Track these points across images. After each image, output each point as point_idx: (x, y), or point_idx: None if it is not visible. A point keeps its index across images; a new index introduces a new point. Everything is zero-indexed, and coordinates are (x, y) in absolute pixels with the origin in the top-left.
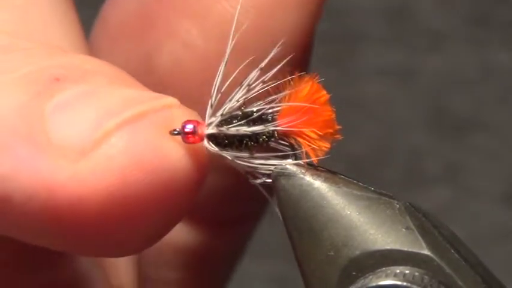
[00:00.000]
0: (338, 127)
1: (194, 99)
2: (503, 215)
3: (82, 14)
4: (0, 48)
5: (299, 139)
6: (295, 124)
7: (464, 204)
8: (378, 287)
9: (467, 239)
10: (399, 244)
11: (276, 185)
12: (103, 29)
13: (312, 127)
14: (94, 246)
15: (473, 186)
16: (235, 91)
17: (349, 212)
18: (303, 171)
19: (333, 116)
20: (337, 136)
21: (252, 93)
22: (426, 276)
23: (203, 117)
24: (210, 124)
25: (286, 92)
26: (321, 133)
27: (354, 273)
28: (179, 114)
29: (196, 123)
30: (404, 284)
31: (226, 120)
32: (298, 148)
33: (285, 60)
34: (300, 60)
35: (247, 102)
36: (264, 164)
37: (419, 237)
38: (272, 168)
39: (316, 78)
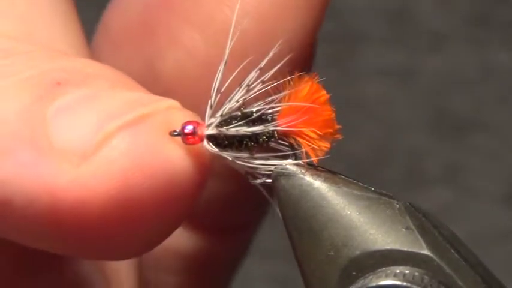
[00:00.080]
0: (338, 127)
1: (197, 105)
2: (503, 215)
3: (83, 15)
4: (1, 51)
5: (299, 139)
6: (295, 124)
7: (464, 204)
8: (378, 287)
9: (467, 239)
10: (399, 244)
11: (276, 185)
12: (105, 35)
13: (312, 127)
14: (95, 249)
15: (473, 186)
16: (235, 91)
17: (349, 212)
18: (302, 171)
19: (333, 116)
20: (337, 136)
21: (252, 94)
22: (426, 276)
23: (204, 119)
24: (209, 125)
25: (286, 92)
26: (320, 133)
27: (354, 273)
28: (179, 116)
29: (196, 124)
30: (404, 284)
31: (226, 121)
32: (298, 148)
33: (284, 60)
34: (302, 64)
35: (247, 103)
36: (264, 164)
37: (419, 237)
38: (272, 168)
39: (316, 78)
